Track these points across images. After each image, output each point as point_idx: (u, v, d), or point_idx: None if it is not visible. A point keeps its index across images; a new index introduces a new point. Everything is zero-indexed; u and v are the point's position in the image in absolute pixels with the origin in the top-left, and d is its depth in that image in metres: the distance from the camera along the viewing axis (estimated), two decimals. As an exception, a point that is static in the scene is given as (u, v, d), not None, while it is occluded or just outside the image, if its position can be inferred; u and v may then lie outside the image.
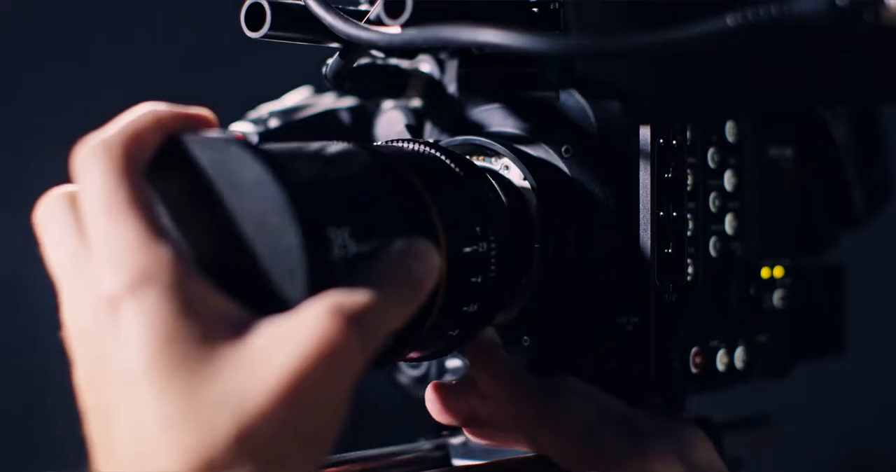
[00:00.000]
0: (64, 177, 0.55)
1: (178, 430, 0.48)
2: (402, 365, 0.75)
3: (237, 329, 0.50)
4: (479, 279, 0.61)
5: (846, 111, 0.77)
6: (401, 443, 0.71)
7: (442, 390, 0.66)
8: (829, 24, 0.54)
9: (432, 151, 0.63)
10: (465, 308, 0.61)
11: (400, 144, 0.63)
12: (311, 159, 0.57)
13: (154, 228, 0.51)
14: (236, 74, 1.15)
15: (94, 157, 0.52)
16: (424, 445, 0.72)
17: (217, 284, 0.51)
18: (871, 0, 0.54)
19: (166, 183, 0.53)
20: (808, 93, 0.62)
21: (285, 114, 0.76)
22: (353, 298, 0.50)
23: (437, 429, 0.74)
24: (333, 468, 0.66)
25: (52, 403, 1.20)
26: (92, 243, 0.51)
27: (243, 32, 0.63)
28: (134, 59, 1.22)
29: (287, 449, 0.49)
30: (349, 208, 0.55)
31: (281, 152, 0.55)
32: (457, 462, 0.71)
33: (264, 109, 0.77)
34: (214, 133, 0.54)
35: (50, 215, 0.53)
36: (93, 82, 1.22)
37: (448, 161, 0.62)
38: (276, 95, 0.78)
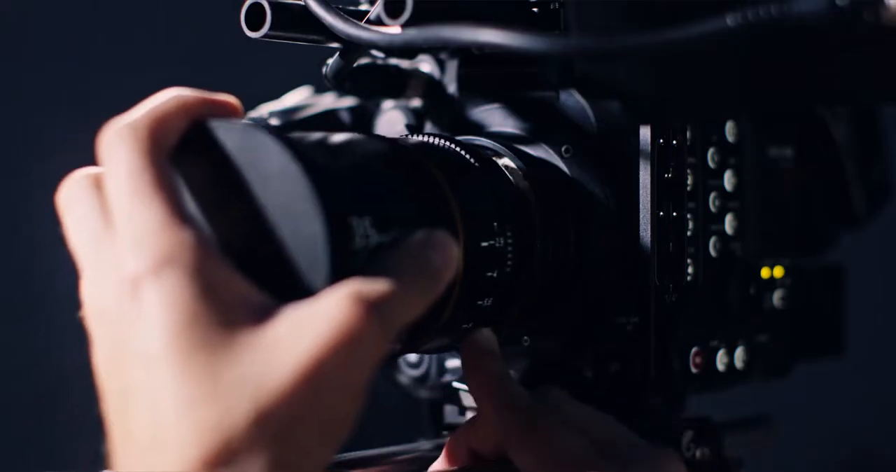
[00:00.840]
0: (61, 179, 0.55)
1: (197, 412, 0.49)
2: (403, 365, 0.75)
3: (258, 314, 0.50)
4: (495, 274, 0.61)
5: (846, 111, 0.77)
6: (401, 443, 0.71)
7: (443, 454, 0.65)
8: (829, 24, 0.54)
9: (452, 145, 0.63)
10: (479, 302, 0.61)
11: (421, 138, 0.64)
12: (336, 149, 0.57)
13: (178, 211, 0.51)
14: (236, 74, 1.15)
15: (120, 139, 0.52)
16: (424, 445, 0.72)
17: (239, 269, 0.51)
18: (871, 0, 0.54)
19: (191, 168, 0.53)
20: (808, 93, 0.62)
21: (285, 114, 0.76)
22: (373, 286, 0.51)
23: (437, 429, 0.74)
24: (334, 469, 0.66)
25: (57, 402, 1.20)
26: (116, 224, 0.51)
27: (243, 32, 0.63)
28: (134, 59, 1.22)
29: (305, 434, 0.50)
30: (372, 199, 0.55)
31: (307, 141, 0.56)
32: (457, 462, 0.71)
33: (264, 109, 0.77)
34: (240, 120, 0.55)
35: (73, 197, 0.53)
36: (92, 82, 1.21)
37: (468, 156, 0.63)
38: (276, 95, 0.78)
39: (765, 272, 0.73)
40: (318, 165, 0.52)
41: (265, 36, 0.62)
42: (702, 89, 0.59)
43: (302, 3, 0.62)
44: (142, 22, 1.24)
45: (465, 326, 0.61)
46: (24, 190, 1.18)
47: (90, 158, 0.55)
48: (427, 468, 0.70)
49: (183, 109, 0.54)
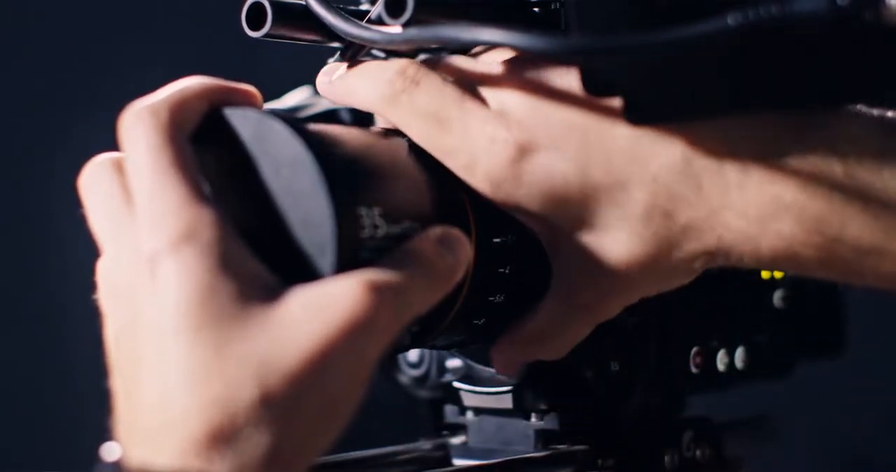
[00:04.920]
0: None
1: (203, 385, 0.49)
2: (403, 365, 0.75)
3: (270, 293, 0.51)
4: (507, 271, 0.61)
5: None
6: (401, 443, 0.71)
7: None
8: (830, 24, 0.54)
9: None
10: (491, 298, 0.61)
11: None
12: (348, 141, 0.58)
13: (197, 189, 0.52)
14: (237, 74, 1.16)
15: (140, 120, 0.53)
16: (424, 445, 0.72)
17: (251, 252, 0.52)
18: (871, 0, 0.54)
19: (207, 153, 0.54)
20: (808, 93, 0.62)
21: (288, 113, 0.76)
22: (385, 275, 0.52)
23: (437, 429, 0.74)
24: (334, 468, 0.66)
25: (58, 402, 1.20)
26: (136, 203, 0.52)
27: (244, 32, 0.63)
28: (136, 59, 1.22)
29: (308, 415, 0.50)
30: (382, 191, 0.56)
31: (320, 131, 0.57)
32: (457, 462, 0.71)
33: (266, 108, 0.76)
34: (255, 108, 0.56)
35: (94, 179, 0.54)
36: (92, 83, 1.22)
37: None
38: (276, 95, 0.78)
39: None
40: (329, 154, 0.54)
41: (266, 35, 0.62)
42: (702, 89, 0.59)
43: (303, 2, 0.62)
44: (143, 22, 1.25)
45: (476, 322, 0.62)
46: (40, 181, 1.18)
47: (99, 152, 0.56)
48: (427, 468, 0.70)
49: (203, 94, 0.55)
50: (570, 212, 0.59)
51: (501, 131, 0.59)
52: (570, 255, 0.60)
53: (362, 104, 0.62)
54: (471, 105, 0.59)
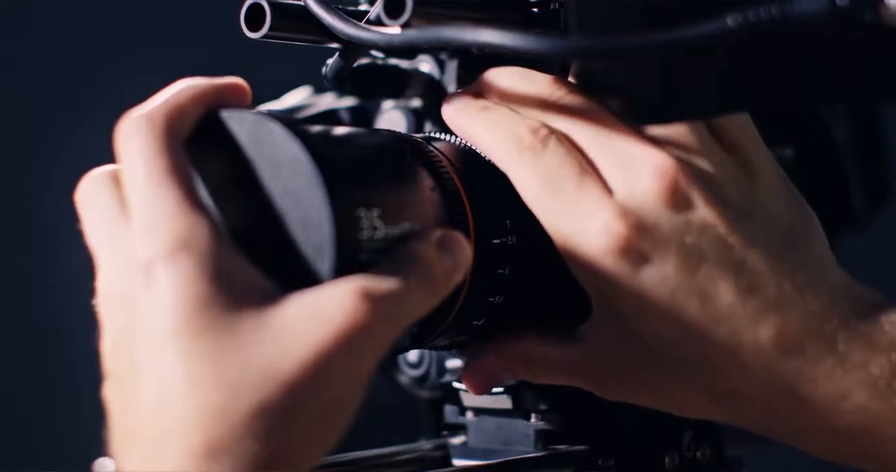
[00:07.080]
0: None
1: (201, 395, 0.49)
2: (403, 365, 0.75)
3: (265, 301, 0.51)
4: (507, 272, 0.61)
5: (846, 111, 0.77)
6: (401, 443, 0.71)
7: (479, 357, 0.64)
8: (830, 24, 0.54)
9: (464, 142, 0.63)
10: (491, 299, 0.61)
11: (436, 135, 0.64)
12: (347, 141, 0.58)
13: (192, 197, 0.52)
14: (236, 75, 1.16)
15: (137, 128, 0.53)
16: (424, 445, 0.72)
17: (247, 256, 0.52)
18: (871, 0, 0.54)
19: (204, 156, 0.54)
20: (808, 93, 0.62)
21: (285, 114, 0.76)
22: (381, 282, 0.52)
23: (437, 429, 0.74)
24: (333, 468, 0.66)
25: (57, 403, 1.20)
26: (131, 211, 0.52)
27: (243, 33, 0.63)
28: (133, 60, 1.22)
29: (306, 422, 0.50)
30: (381, 192, 0.56)
31: (317, 132, 0.57)
32: (457, 462, 0.71)
33: (264, 109, 0.77)
34: (251, 110, 0.56)
35: (91, 190, 0.55)
36: (91, 84, 1.22)
37: (483, 153, 0.63)
38: (276, 95, 0.78)
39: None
40: (327, 155, 0.53)
41: (265, 36, 0.62)
42: (701, 89, 0.59)
43: (302, 3, 0.62)
44: (143, 23, 1.25)
45: (475, 322, 0.62)
46: (40, 184, 1.18)
47: (97, 160, 0.56)
48: (427, 468, 0.70)
49: (198, 98, 0.55)
50: (642, 318, 0.59)
51: (618, 223, 0.58)
52: (617, 336, 0.60)
53: (484, 150, 0.61)
54: (590, 183, 0.58)
